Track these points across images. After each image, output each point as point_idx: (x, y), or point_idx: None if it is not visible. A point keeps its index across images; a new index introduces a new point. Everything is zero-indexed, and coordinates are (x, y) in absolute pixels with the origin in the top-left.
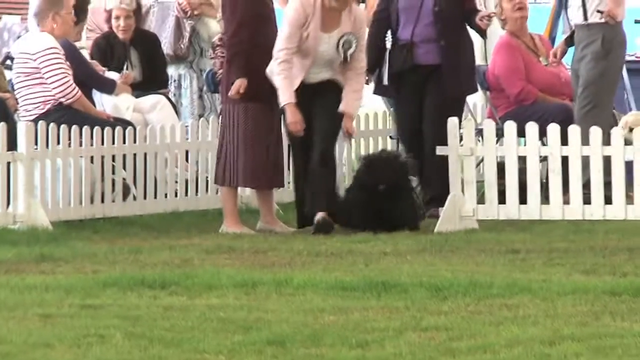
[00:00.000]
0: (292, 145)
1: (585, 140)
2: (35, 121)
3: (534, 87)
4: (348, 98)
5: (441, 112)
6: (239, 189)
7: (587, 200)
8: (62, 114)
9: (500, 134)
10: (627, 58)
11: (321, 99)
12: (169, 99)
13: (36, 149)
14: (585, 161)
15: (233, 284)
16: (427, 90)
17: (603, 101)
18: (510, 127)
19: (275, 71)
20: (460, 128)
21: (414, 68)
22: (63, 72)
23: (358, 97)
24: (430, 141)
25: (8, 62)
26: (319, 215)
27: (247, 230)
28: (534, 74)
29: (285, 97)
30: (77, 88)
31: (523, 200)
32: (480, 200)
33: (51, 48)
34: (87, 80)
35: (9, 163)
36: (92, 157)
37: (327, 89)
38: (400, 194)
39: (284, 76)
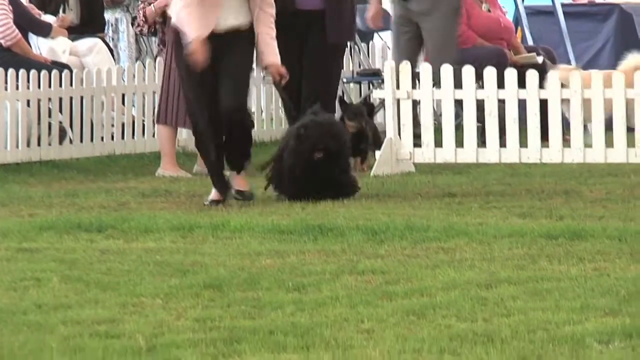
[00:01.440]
0: (195, 98)
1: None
2: None
3: (474, 32)
4: (269, 48)
5: (322, 60)
6: (178, 132)
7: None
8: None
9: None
10: (564, 1)
11: (229, 53)
12: (106, 43)
13: None
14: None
15: (170, 228)
16: (309, 36)
17: None
18: (447, 71)
19: (181, 16)
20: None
21: (296, 13)
22: (4, 14)
23: (276, 45)
24: (310, 89)
25: None
26: (238, 181)
27: (183, 174)
28: (474, 20)
29: (192, 33)
30: (17, 30)
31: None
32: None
33: None
34: (23, 23)
35: None
36: (28, 101)
37: (235, 42)
38: (339, 162)
39: (190, 17)
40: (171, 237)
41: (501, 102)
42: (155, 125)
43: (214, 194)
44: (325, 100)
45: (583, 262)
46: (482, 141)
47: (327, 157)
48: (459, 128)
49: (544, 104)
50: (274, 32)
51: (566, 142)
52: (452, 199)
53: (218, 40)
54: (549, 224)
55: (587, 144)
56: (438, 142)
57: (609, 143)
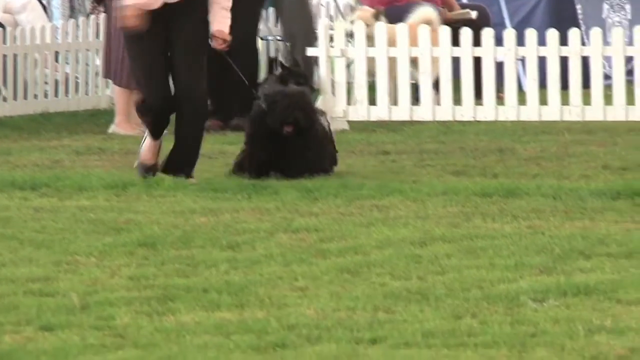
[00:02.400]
0: (142, 67)
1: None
2: None
3: None
4: (217, 16)
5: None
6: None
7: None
8: None
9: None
10: None
11: (181, 24)
12: (39, 0)
13: None
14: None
15: (103, 186)
16: None
17: None
18: (380, 29)
19: None
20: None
21: None
22: None
23: (227, 15)
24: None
25: None
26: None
27: (139, 132)
28: None
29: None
30: None
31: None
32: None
33: None
34: None
35: None
36: None
37: (188, 12)
38: (310, 136)
39: None
40: (105, 195)
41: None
42: (91, 83)
43: (145, 153)
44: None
45: (517, 220)
46: (415, 99)
47: (298, 132)
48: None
49: (477, 61)
50: (228, 2)
51: (500, 99)
52: (387, 156)
53: (169, 10)
54: (483, 182)
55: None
56: (372, 100)
57: (543, 101)
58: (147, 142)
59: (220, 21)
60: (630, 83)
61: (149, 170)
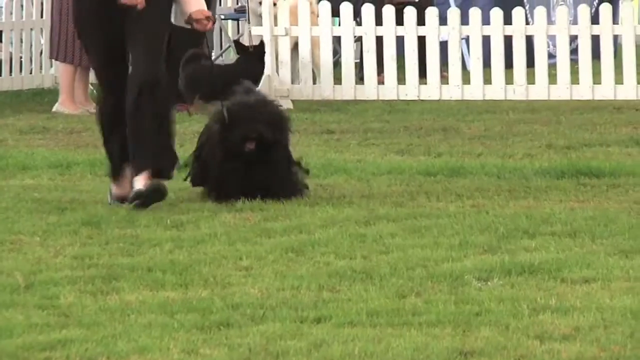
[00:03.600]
0: (100, 66)
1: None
2: None
3: None
4: None
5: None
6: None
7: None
8: None
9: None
10: None
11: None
12: None
13: None
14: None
15: (47, 165)
16: None
17: None
18: (324, 7)
19: None
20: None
21: None
22: None
23: None
24: None
25: None
26: (144, 181)
27: (83, 111)
28: None
29: None
30: None
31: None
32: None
33: None
34: None
35: None
36: None
37: None
38: (276, 154)
39: None
40: (49, 175)
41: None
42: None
43: (115, 188)
44: None
45: (461, 199)
46: (360, 78)
47: (262, 149)
48: (337, 65)
49: (421, 41)
50: None
51: (444, 79)
52: (331, 135)
53: None
54: (428, 161)
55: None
56: (316, 80)
57: (487, 80)
58: (113, 184)
59: (194, 1)
60: (574, 62)
61: (123, 200)
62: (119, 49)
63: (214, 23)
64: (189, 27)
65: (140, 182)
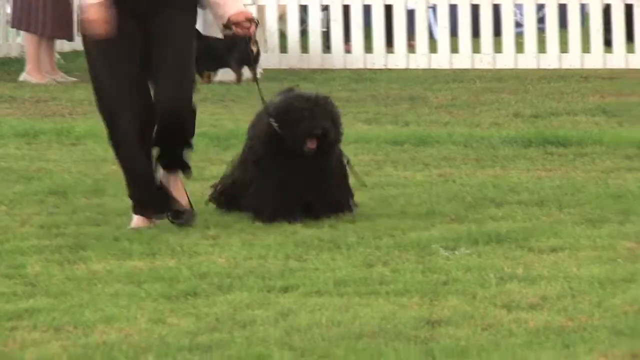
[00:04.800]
0: (111, 88)
1: None
2: None
3: None
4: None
5: None
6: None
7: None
8: None
9: None
10: None
11: (162, 23)
12: None
13: None
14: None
15: (14, 134)
16: None
17: None
18: None
19: None
20: None
21: None
22: None
23: None
24: None
25: None
26: (178, 192)
27: (50, 80)
28: None
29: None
30: None
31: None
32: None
33: None
34: None
35: None
36: None
37: (167, 3)
38: (332, 159)
39: None
40: (15, 144)
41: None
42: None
43: (137, 220)
44: None
45: (429, 168)
46: (327, 47)
47: (323, 149)
48: (304, 34)
49: (388, 9)
50: None
51: (411, 47)
52: None
53: (144, 2)
54: (395, 130)
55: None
56: (283, 48)
57: (454, 49)
58: (136, 220)
59: (231, 3)
60: (541, 31)
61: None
62: (134, 77)
63: (257, 25)
64: (228, 32)
65: (175, 191)
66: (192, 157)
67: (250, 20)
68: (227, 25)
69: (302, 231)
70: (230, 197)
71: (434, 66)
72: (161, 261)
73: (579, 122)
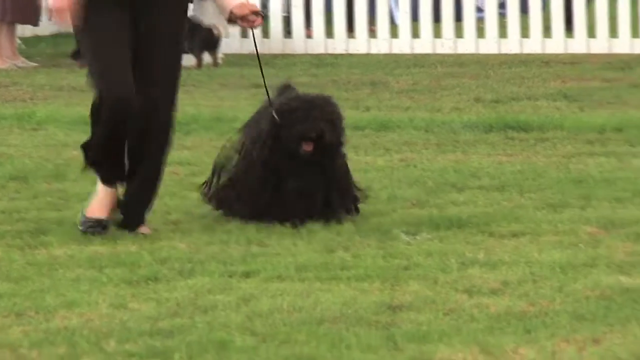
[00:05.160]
0: (98, 57)
1: None
2: None
3: None
4: None
5: None
6: None
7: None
8: None
9: None
10: None
11: (151, 15)
12: None
13: None
14: None
15: None
16: None
17: None
18: None
19: None
20: None
21: None
22: None
23: None
24: None
25: None
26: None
27: (11, 66)
28: None
29: None
30: None
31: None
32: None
33: None
34: None
35: None
36: None
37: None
38: (336, 161)
39: None
40: None
41: None
42: None
43: (95, 205)
44: None
45: (390, 153)
46: (287, 32)
47: (322, 151)
48: (265, 19)
49: None
50: None
51: (372, 32)
52: (259, 89)
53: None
54: (356, 115)
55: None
56: (244, 33)
57: (415, 34)
58: (97, 191)
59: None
60: (502, 16)
61: (96, 225)
62: (128, 51)
63: (263, 18)
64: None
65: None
66: None
67: (256, 13)
68: (231, 19)
69: None
70: (230, 197)
71: (395, 51)
72: (122, 246)
73: (540, 107)
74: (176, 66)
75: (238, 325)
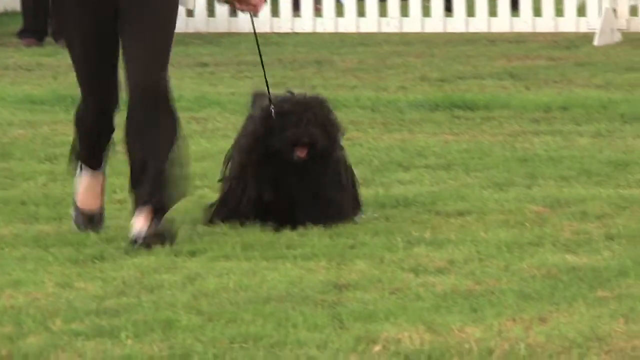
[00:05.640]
0: (79, 62)
1: None
2: None
3: None
4: None
5: None
6: None
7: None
8: None
9: None
10: None
11: None
12: None
13: None
14: None
15: None
16: None
17: None
18: None
19: None
20: None
21: None
22: None
23: None
24: None
25: None
26: (145, 222)
27: None
28: None
29: None
30: None
31: None
32: None
33: None
34: None
35: None
36: None
37: None
38: (329, 167)
39: None
40: None
41: None
42: None
43: (81, 197)
44: None
45: None
46: (233, 10)
47: (314, 157)
48: None
49: None
50: None
51: (318, 11)
52: (204, 68)
53: None
54: None
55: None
56: (189, 12)
57: (361, 12)
58: (82, 179)
59: None
60: None
61: (91, 219)
62: (107, 42)
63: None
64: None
65: (140, 222)
66: None
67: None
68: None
69: (210, 195)
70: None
71: (340, 30)
72: (68, 225)
73: (486, 86)
74: (169, 38)
75: (184, 304)
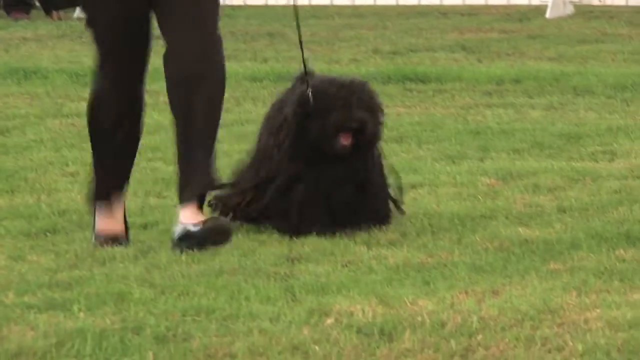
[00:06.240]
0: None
1: None
2: None
3: None
4: None
5: None
6: None
7: None
8: None
9: None
10: None
11: None
12: None
13: None
14: None
15: None
16: None
17: None
18: None
19: None
20: None
21: None
22: None
23: None
24: None
25: None
26: (193, 215)
27: None
28: None
29: None
30: None
31: None
32: None
33: None
34: None
35: None
36: None
37: None
38: (370, 160)
39: None
40: None
41: None
42: None
43: (100, 220)
44: None
45: None
46: None
47: (361, 146)
48: None
49: None
50: None
51: None
52: (155, 41)
53: None
54: (254, 66)
55: None
56: None
57: None
58: (97, 211)
59: None
60: None
61: (115, 240)
62: (135, 25)
63: None
64: None
65: (187, 216)
66: (51, 94)
67: None
68: None
69: (163, 168)
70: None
71: (292, 2)
72: (20, 198)
73: (438, 59)
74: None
75: (136, 277)
